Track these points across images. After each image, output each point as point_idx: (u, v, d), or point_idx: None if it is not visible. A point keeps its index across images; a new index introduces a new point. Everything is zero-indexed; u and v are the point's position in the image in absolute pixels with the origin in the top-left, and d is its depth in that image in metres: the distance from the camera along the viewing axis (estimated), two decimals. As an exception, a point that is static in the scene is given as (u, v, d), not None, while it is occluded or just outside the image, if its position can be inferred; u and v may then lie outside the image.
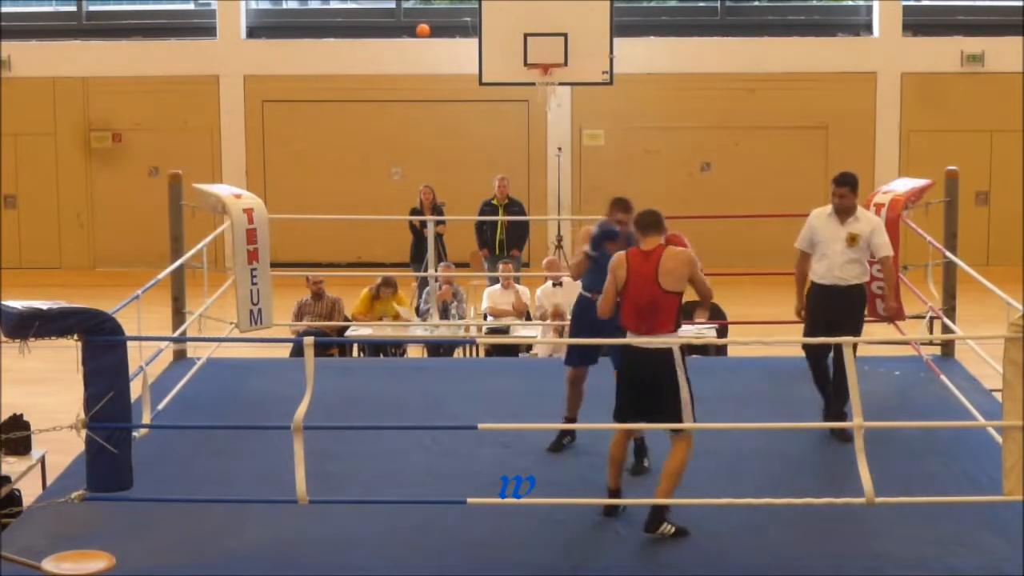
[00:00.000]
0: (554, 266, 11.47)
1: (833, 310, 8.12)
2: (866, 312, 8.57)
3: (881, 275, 9.55)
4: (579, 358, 7.80)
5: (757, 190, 18.00)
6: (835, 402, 8.17)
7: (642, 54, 18.11)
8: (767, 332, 11.67)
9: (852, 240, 8.13)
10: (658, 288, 6.66)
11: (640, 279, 6.69)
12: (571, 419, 7.86)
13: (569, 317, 8.19)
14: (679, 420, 6.65)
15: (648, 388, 6.67)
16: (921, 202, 10.03)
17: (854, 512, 6.62)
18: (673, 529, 6.61)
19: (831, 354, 8.19)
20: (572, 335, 8.10)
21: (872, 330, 11.34)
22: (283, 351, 11.54)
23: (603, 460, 7.57)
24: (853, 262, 8.16)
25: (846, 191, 8.21)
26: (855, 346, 6.72)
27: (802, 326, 8.52)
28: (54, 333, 6.29)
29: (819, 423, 8.08)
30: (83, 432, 6.47)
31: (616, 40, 15.82)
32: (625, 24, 17.32)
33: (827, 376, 8.30)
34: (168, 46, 19.12)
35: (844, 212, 8.22)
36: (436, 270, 12.30)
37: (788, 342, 8.93)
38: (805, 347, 8.29)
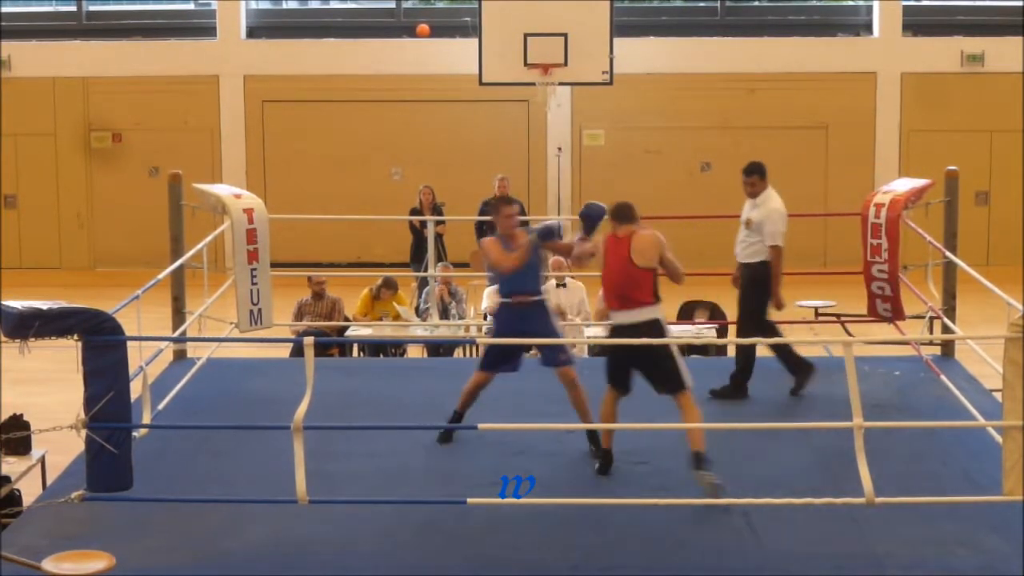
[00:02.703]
0: (557, 266, 11.48)
1: (741, 285, 9.02)
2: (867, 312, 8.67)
3: (882, 275, 9.58)
4: (497, 364, 7.92)
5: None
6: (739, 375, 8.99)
7: (642, 54, 18.12)
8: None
9: (748, 224, 8.95)
10: (632, 266, 7.31)
11: (616, 260, 7.36)
12: (461, 415, 8.03)
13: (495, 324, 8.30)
14: (678, 381, 7.24)
15: (643, 360, 7.24)
16: (921, 202, 10.03)
17: (854, 512, 6.62)
18: (713, 481, 6.98)
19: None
20: (495, 345, 8.04)
21: (872, 330, 11.35)
22: (283, 351, 11.53)
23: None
24: (748, 243, 8.95)
25: (755, 179, 9.01)
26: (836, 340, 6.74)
27: (800, 327, 8.65)
28: (54, 333, 6.29)
29: (819, 423, 8.07)
30: (83, 432, 6.47)
31: (616, 40, 15.82)
32: (625, 24, 17.32)
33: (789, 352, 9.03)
34: (168, 46, 19.13)
35: (752, 198, 9.04)
36: (436, 270, 12.30)
37: (788, 342, 8.93)
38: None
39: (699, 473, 7.05)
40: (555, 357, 7.78)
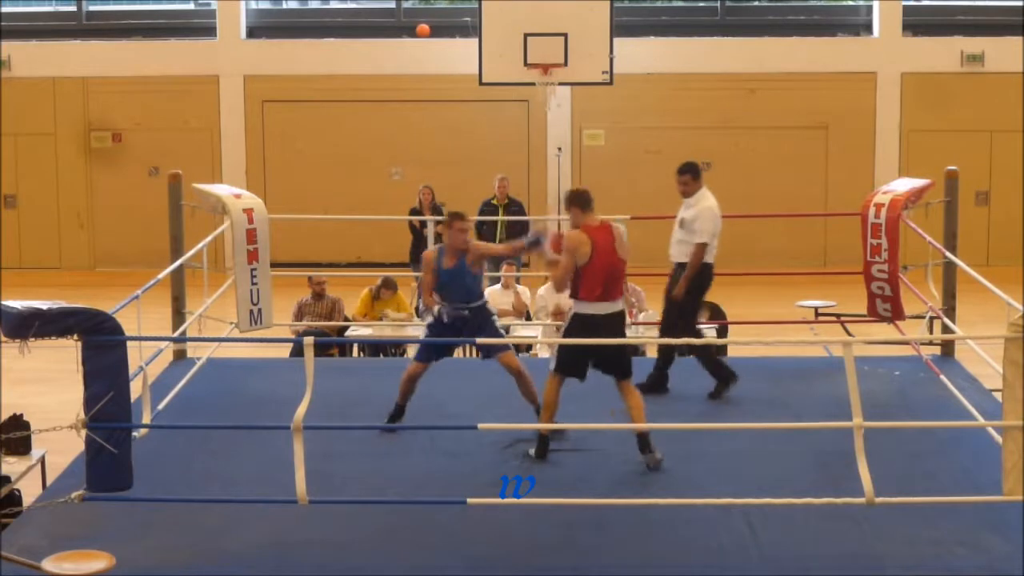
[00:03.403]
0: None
1: (672, 282, 9.06)
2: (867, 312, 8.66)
3: (882, 275, 9.58)
4: (433, 355, 8.26)
5: (757, 190, 17.98)
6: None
7: (642, 54, 18.12)
8: (767, 332, 11.68)
9: (682, 223, 9.03)
10: (618, 257, 7.50)
11: (605, 251, 7.45)
12: (403, 407, 8.26)
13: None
14: (630, 368, 7.60)
15: (611, 347, 7.46)
16: (921, 202, 10.03)
17: (854, 512, 6.62)
18: (658, 457, 7.42)
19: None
20: (433, 336, 8.35)
21: (872, 330, 11.36)
22: (283, 351, 11.53)
23: (601, 458, 7.68)
24: (680, 242, 9.02)
25: (687, 179, 9.03)
26: (847, 346, 6.73)
27: (800, 327, 8.65)
28: (54, 333, 6.29)
29: (819, 423, 8.07)
30: (83, 432, 6.47)
31: (616, 40, 15.81)
32: (625, 24, 17.32)
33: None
34: (168, 46, 19.13)
35: (685, 197, 9.06)
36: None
37: (788, 342, 8.94)
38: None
39: (649, 455, 7.44)
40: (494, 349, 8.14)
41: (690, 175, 9.01)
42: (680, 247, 9.01)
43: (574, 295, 7.57)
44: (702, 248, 8.89)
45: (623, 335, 7.53)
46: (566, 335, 7.65)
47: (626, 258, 7.58)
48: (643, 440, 7.51)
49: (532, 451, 7.71)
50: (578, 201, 7.59)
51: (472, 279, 8.21)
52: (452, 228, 8.17)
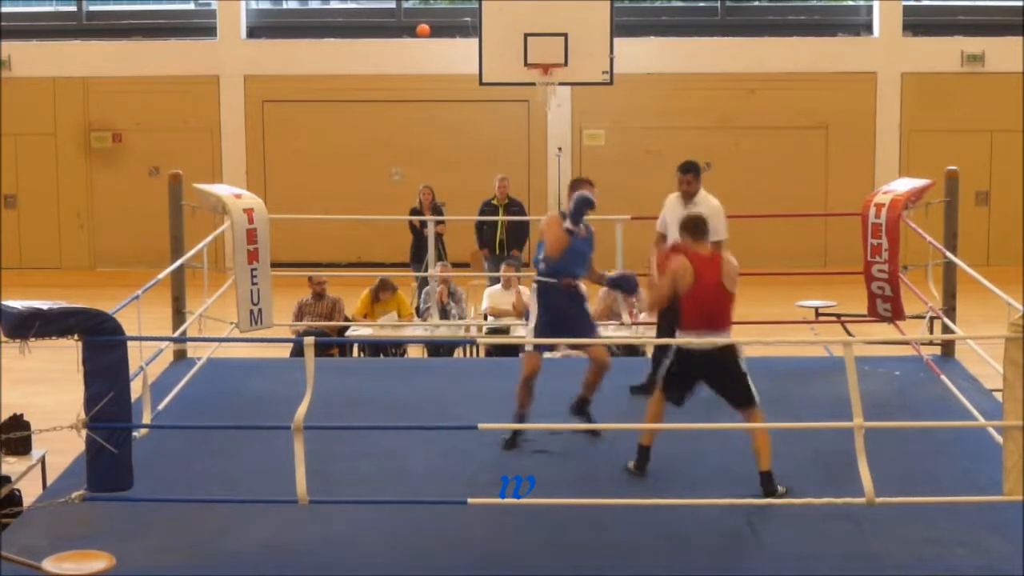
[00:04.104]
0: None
1: None
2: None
3: (882, 275, 9.58)
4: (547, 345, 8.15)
5: (757, 190, 17.97)
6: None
7: (642, 54, 18.11)
8: (767, 332, 11.68)
9: None
10: (724, 290, 7.38)
11: (707, 282, 7.32)
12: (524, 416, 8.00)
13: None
14: (752, 399, 7.31)
15: (717, 380, 7.31)
16: (921, 202, 10.03)
17: (854, 512, 6.62)
18: (784, 490, 7.08)
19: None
20: (543, 323, 8.09)
21: (872, 330, 11.36)
22: (283, 351, 11.53)
23: (602, 460, 7.62)
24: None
25: (691, 177, 8.87)
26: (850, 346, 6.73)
27: (800, 327, 8.59)
28: (54, 333, 6.30)
29: (819, 423, 8.07)
30: (83, 432, 6.47)
31: (616, 40, 15.80)
32: (625, 24, 17.32)
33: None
34: (168, 46, 19.12)
35: (688, 197, 8.87)
36: (436, 270, 12.30)
37: (788, 342, 8.93)
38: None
39: (776, 493, 7.06)
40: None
41: (694, 174, 8.92)
42: None
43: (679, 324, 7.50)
44: (720, 245, 8.77)
45: (729, 366, 7.28)
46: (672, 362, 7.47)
47: (733, 290, 7.46)
48: (767, 479, 7.14)
49: (631, 464, 7.51)
50: (690, 228, 7.50)
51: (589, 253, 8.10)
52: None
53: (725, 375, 7.28)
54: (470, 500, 6.70)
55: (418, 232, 14.60)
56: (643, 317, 11.24)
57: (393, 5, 19.46)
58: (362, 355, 12.12)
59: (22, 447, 8.34)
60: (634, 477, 7.42)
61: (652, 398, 7.51)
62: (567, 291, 7.98)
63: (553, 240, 7.98)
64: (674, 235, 8.83)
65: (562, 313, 7.95)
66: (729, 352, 7.30)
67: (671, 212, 8.90)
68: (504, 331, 11.90)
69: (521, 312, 12.23)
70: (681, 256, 7.42)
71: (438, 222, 13.52)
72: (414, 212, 14.68)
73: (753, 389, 7.30)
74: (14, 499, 7.85)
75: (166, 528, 6.69)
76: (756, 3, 19.82)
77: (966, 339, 9.42)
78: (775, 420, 8.26)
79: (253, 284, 9.60)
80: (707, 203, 8.86)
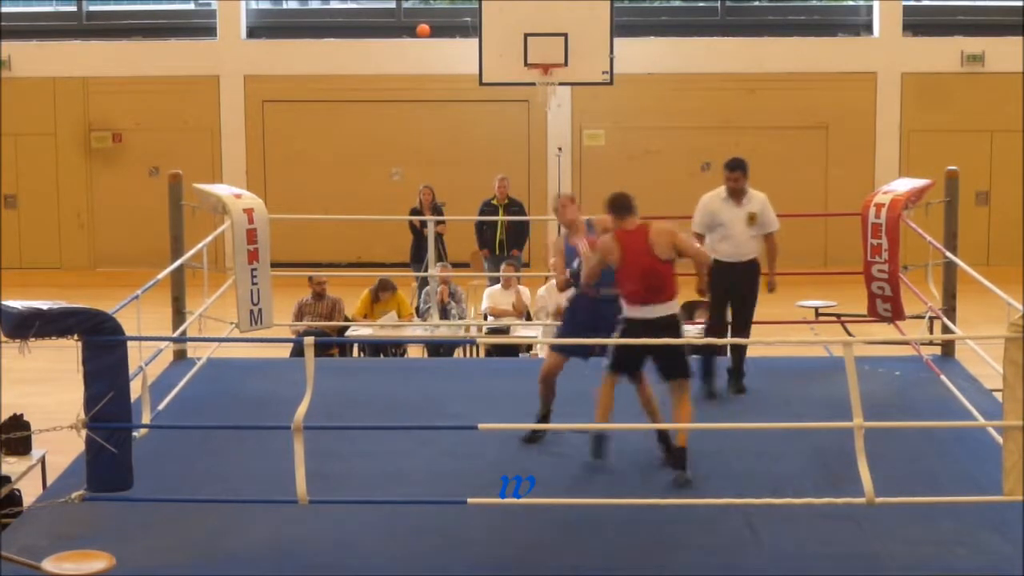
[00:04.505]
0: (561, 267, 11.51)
1: (738, 283, 8.92)
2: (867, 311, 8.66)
3: (882, 275, 9.59)
4: (573, 350, 7.99)
5: (757, 190, 17.94)
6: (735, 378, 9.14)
7: (642, 54, 18.11)
8: (767, 332, 11.68)
9: (752, 219, 8.94)
10: (656, 260, 7.38)
11: (636, 254, 7.40)
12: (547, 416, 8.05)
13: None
14: (687, 371, 7.48)
15: (661, 350, 7.32)
16: (921, 202, 10.03)
17: (854, 512, 6.62)
18: (688, 478, 7.26)
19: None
20: (567, 331, 8.18)
21: (872, 330, 11.36)
22: (283, 351, 11.53)
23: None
24: (753, 239, 8.99)
25: (739, 175, 8.94)
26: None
27: (800, 327, 8.60)
28: (54, 333, 6.30)
29: (819, 423, 8.07)
30: (83, 432, 6.47)
31: (616, 40, 15.81)
32: (625, 24, 17.32)
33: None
34: (168, 46, 19.12)
35: (739, 194, 8.97)
36: (436, 270, 12.29)
37: (788, 342, 8.94)
38: (715, 326, 9.03)
39: (679, 473, 7.27)
40: None
41: (741, 171, 8.93)
42: (750, 244, 8.97)
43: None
44: (774, 236, 9.04)
45: (676, 335, 7.37)
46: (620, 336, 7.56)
47: (668, 257, 7.45)
48: (679, 455, 7.39)
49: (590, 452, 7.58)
50: (611, 206, 7.58)
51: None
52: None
53: (670, 347, 7.31)
54: (470, 500, 6.69)
55: (418, 232, 14.61)
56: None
57: (393, 5, 19.46)
58: (362, 355, 12.12)
59: (22, 447, 8.34)
60: (597, 464, 7.45)
61: (603, 383, 7.56)
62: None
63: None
64: (728, 235, 8.90)
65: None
66: (672, 322, 7.40)
67: (721, 212, 8.93)
68: (504, 331, 11.91)
69: (521, 312, 12.23)
70: (607, 235, 7.57)
71: (438, 222, 13.52)
72: (414, 212, 14.68)
73: (688, 361, 7.47)
74: (14, 499, 7.85)
75: (166, 528, 6.69)
76: (756, 3, 19.82)
77: (966, 339, 9.42)
78: (775, 420, 8.28)
79: (253, 284, 9.60)
80: (759, 198, 8.99)
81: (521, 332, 11.81)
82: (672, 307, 7.44)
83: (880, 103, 18.73)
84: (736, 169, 8.93)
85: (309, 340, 6.46)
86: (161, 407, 8.56)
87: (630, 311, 7.46)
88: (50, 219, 19.25)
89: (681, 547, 6.54)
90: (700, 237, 8.97)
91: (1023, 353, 6.15)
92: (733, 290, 8.95)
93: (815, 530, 6.65)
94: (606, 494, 7.08)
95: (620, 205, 7.55)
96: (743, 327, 9.07)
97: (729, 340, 9.00)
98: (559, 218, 8.25)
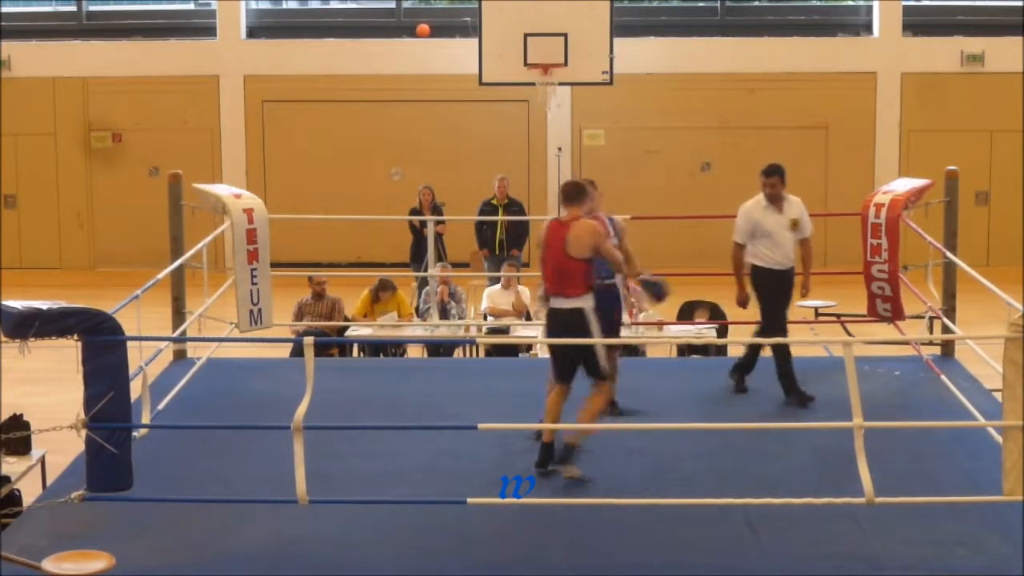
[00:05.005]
0: None
1: (786, 290, 8.93)
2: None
3: (882, 275, 9.59)
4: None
5: (757, 190, 17.89)
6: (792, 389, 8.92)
7: (642, 54, 18.11)
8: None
9: (794, 225, 8.92)
10: (565, 255, 7.32)
11: (553, 248, 7.41)
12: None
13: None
14: (598, 369, 7.35)
15: (571, 346, 7.32)
16: (921, 202, 10.03)
17: (854, 512, 6.62)
18: (578, 474, 7.22)
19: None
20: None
21: (872, 330, 11.35)
22: (283, 351, 11.53)
23: (601, 459, 7.62)
24: (795, 244, 8.99)
25: (776, 180, 8.93)
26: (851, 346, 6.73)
27: (800, 327, 8.58)
28: (54, 333, 6.30)
29: (819, 423, 8.07)
30: (83, 432, 6.47)
31: (616, 40, 15.81)
32: (625, 24, 17.32)
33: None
34: (168, 46, 19.12)
35: (779, 200, 8.93)
36: (436, 270, 12.29)
37: (788, 342, 8.92)
38: (775, 334, 8.84)
39: (565, 466, 7.27)
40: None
41: (779, 176, 8.91)
42: (795, 249, 8.93)
43: None
44: (808, 242, 9.03)
45: (581, 335, 7.29)
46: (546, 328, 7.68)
47: (581, 256, 7.34)
48: (564, 451, 7.35)
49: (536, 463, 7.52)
50: (560, 191, 7.62)
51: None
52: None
53: (577, 345, 7.28)
54: (470, 500, 6.70)
55: (418, 232, 14.60)
56: (642, 317, 11.25)
57: (393, 5, 19.46)
58: (362, 355, 12.12)
59: (22, 447, 8.34)
60: (543, 475, 7.38)
61: (550, 392, 7.53)
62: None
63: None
64: (777, 242, 8.83)
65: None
66: (576, 317, 7.32)
67: (765, 220, 8.84)
68: (504, 331, 11.91)
69: (521, 312, 12.23)
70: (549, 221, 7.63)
71: (438, 222, 13.52)
72: (414, 212, 14.68)
73: (602, 362, 7.35)
74: (14, 499, 7.84)
75: (166, 528, 6.69)
76: (756, 3, 19.82)
77: (966, 339, 9.41)
78: (775, 420, 8.28)
79: (253, 284, 9.60)
80: (796, 203, 8.98)
81: (521, 332, 11.81)
82: (576, 302, 7.35)
83: (880, 103, 18.73)
84: (773, 175, 8.89)
85: (309, 340, 6.46)
86: (161, 407, 8.56)
87: (550, 301, 7.54)
88: (50, 219, 19.26)
89: (681, 547, 6.54)
90: (740, 247, 8.90)
91: (1023, 353, 6.15)
92: (786, 296, 8.93)
93: (815, 530, 6.65)
94: (606, 494, 7.08)
95: (566, 194, 7.55)
96: (773, 328, 8.94)
97: (731, 340, 8.99)
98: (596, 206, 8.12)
